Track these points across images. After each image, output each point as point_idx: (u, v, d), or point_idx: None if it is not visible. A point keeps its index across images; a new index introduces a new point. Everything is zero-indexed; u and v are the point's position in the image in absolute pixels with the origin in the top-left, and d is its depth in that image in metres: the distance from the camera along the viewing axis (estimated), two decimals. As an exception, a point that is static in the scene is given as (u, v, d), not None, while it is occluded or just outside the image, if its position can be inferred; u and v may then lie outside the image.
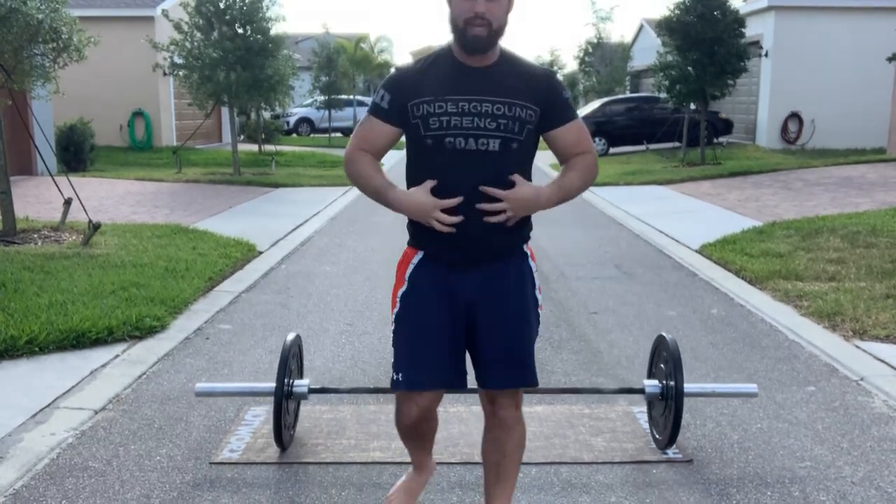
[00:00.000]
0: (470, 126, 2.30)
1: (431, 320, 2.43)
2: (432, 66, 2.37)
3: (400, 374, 2.46)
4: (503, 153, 2.32)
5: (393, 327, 2.52)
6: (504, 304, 2.44)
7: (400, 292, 2.51)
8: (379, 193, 2.41)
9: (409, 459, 3.25)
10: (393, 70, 2.48)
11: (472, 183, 2.31)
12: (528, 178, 2.40)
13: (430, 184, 2.33)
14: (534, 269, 2.53)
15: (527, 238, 2.51)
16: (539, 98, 2.36)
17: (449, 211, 2.32)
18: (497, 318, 2.43)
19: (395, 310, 2.51)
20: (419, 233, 2.44)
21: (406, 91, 2.35)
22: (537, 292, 2.53)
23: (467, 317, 2.45)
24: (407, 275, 2.50)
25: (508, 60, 2.38)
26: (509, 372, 2.45)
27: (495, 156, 2.31)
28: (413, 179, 2.43)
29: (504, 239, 2.41)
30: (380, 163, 2.51)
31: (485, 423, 2.62)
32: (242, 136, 23.11)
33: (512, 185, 2.33)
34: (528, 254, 2.52)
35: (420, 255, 2.48)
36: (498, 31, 2.29)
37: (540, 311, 2.55)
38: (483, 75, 2.33)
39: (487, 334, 2.44)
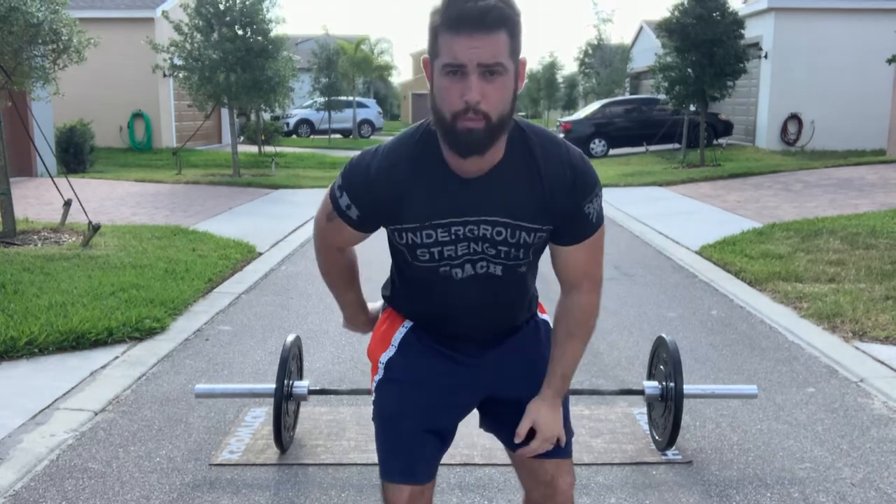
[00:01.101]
0: (466, 253, 1.80)
1: (430, 395, 1.94)
2: (414, 172, 1.74)
3: (381, 459, 1.97)
4: (507, 277, 1.85)
5: (374, 398, 2.01)
6: (525, 373, 1.98)
7: (384, 357, 2.00)
8: (342, 307, 2.17)
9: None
10: (365, 155, 1.80)
11: (471, 305, 1.88)
12: (533, 282, 1.98)
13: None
14: (546, 320, 2.11)
15: (534, 309, 2.08)
16: (555, 212, 1.78)
17: (442, 320, 1.93)
18: (522, 389, 1.98)
19: (378, 376, 2.00)
20: (406, 310, 1.99)
21: (379, 208, 1.78)
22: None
23: (480, 393, 2.02)
24: (394, 340, 2.01)
25: (518, 154, 1.75)
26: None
27: (497, 279, 1.85)
28: (403, 289, 1.99)
29: (513, 323, 2.00)
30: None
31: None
32: (242, 138, 23.11)
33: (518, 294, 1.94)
34: (537, 311, 2.11)
35: (410, 324, 2.01)
36: (500, 125, 1.64)
37: None
38: (481, 187, 1.73)
39: (521, 406, 1.96)
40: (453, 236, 1.77)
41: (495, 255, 1.80)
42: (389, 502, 1.95)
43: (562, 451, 1.97)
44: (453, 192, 1.73)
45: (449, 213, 1.74)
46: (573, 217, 1.80)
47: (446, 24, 1.57)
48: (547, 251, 1.91)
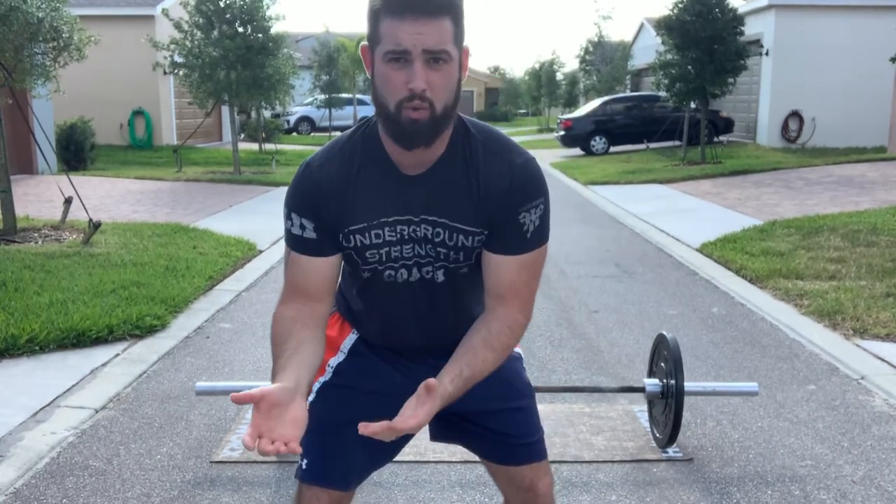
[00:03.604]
0: (411, 255, 1.70)
1: (378, 407, 1.74)
2: (358, 168, 1.66)
3: (306, 461, 1.85)
4: (451, 281, 1.75)
5: (312, 398, 1.87)
6: (482, 384, 1.73)
7: (332, 361, 1.90)
8: (274, 371, 1.67)
9: (409, 458, 3.26)
10: (303, 165, 1.70)
11: (414, 313, 1.79)
12: (482, 294, 1.77)
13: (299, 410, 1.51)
14: None
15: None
16: (488, 215, 1.66)
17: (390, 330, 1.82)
18: (480, 401, 1.84)
19: (323, 378, 1.89)
20: (353, 320, 1.90)
21: (330, 212, 1.66)
22: (514, 349, 1.94)
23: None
24: (344, 347, 1.91)
25: (459, 151, 1.66)
26: (529, 443, 1.93)
27: (442, 285, 1.75)
28: (350, 301, 1.88)
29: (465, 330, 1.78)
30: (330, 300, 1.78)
31: None
32: (243, 135, 23.12)
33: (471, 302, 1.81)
34: None
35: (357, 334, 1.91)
36: (445, 116, 1.55)
37: (524, 365, 2.03)
38: (421, 185, 1.65)
39: (482, 416, 1.89)
40: (398, 236, 1.68)
41: (435, 258, 1.70)
42: None
43: (538, 454, 1.93)
44: (398, 190, 1.65)
45: (394, 212, 1.66)
46: (505, 224, 1.66)
47: (389, 8, 1.49)
48: None
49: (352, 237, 1.68)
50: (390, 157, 1.65)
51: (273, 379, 1.59)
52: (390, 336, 1.87)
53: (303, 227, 1.68)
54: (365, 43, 1.60)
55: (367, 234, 1.68)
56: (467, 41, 1.59)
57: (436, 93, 1.52)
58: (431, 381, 1.54)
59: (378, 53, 1.54)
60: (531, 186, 1.67)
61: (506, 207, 1.65)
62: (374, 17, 1.53)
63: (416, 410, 1.52)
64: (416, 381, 1.73)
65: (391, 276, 1.73)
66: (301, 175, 1.69)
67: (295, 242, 1.70)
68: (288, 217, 1.70)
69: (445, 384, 1.61)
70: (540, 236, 1.70)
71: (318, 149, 1.73)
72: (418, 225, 1.67)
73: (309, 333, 1.67)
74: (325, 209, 1.66)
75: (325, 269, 1.71)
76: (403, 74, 1.50)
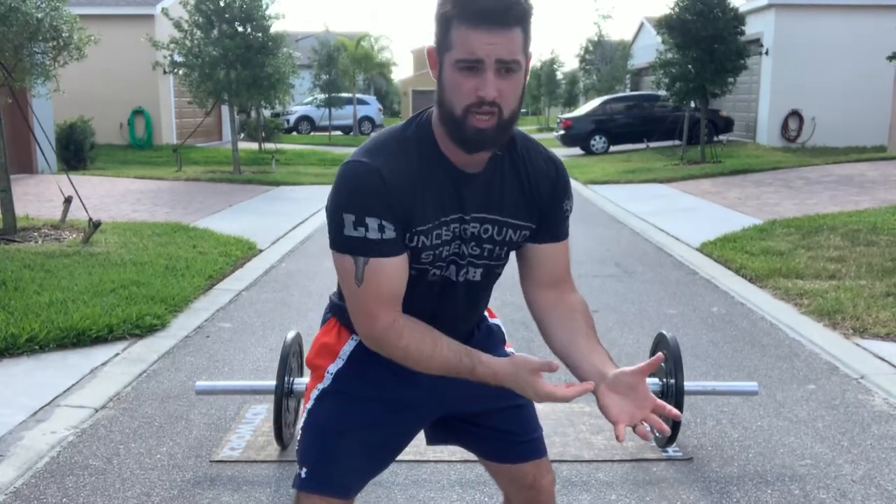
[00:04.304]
0: (456, 253, 1.70)
1: (378, 414, 1.79)
2: (419, 166, 1.62)
3: (305, 469, 1.81)
4: (483, 280, 1.78)
5: (310, 405, 1.86)
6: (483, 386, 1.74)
7: (332, 368, 1.85)
8: (459, 371, 1.65)
9: (409, 458, 3.26)
10: (360, 166, 1.59)
11: (441, 312, 1.77)
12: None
13: (529, 363, 1.63)
14: (499, 324, 2.03)
15: (483, 313, 2.00)
16: (540, 209, 1.73)
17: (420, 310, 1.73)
18: (482, 402, 1.87)
19: (322, 385, 1.85)
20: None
21: (405, 211, 1.60)
22: (507, 348, 2.00)
23: (433, 412, 1.90)
24: (343, 353, 1.85)
25: (506, 149, 1.69)
26: (531, 440, 1.95)
27: (474, 284, 1.77)
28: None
29: (468, 328, 1.89)
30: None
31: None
32: (242, 135, 23.12)
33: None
34: (486, 314, 2.00)
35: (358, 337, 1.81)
36: (510, 121, 1.56)
37: None
38: (476, 183, 1.66)
39: (482, 416, 1.90)
40: (451, 235, 1.66)
41: (478, 256, 1.72)
42: None
43: (539, 450, 1.94)
44: (455, 188, 1.64)
45: (452, 210, 1.65)
46: (554, 214, 1.76)
47: (464, 17, 1.48)
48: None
49: (416, 238, 1.62)
50: (445, 155, 1.64)
51: (475, 366, 1.62)
52: None
53: (382, 229, 1.57)
54: (432, 46, 1.58)
55: (430, 235, 1.64)
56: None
57: (505, 100, 1.53)
58: (543, 362, 1.61)
59: (448, 60, 1.53)
60: (567, 177, 1.80)
61: (554, 200, 1.75)
62: (446, 22, 1.52)
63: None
64: (415, 387, 1.78)
65: (435, 275, 1.71)
66: (366, 176, 1.57)
67: (374, 248, 1.58)
68: (359, 224, 1.56)
69: (610, 366, 1.66)
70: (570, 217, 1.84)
71: (359, 149, 1.65)
72: (468, 223, 1.67)
73: (419, 324, 1.67)
74: (401, 206, 1.59)
75: (405, 266, 1.64)
76: (474, 83, 1.50)
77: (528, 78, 1.62)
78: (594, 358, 1.69)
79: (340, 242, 1.60)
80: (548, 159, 1.75)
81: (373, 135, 1.74)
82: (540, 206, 1.73)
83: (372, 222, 1.57)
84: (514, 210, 1.70)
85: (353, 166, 1.60)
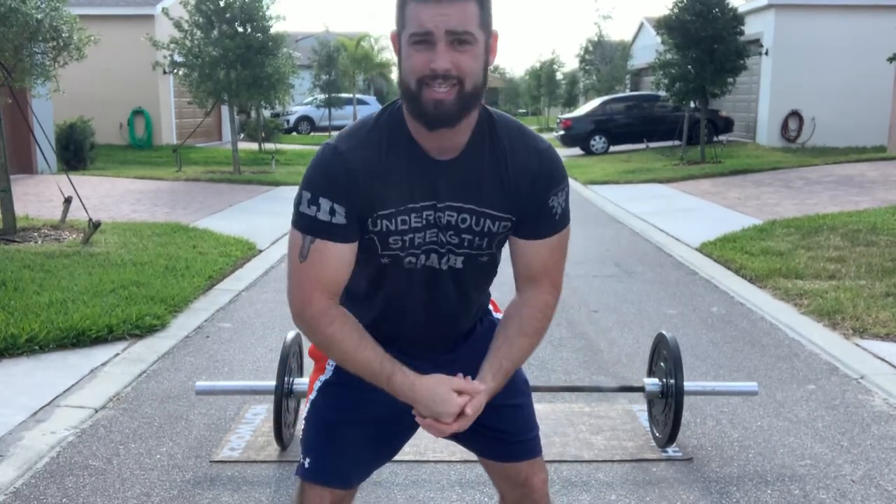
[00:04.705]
0: (434, 241, 1.70)
1: (381, 406, 1.80)
2: (388, 152, 1.64)
3: (308, 459, 1.84)
4: (468, 269, 1.76)
5: (313, 397, 1.91)
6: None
7: (321, 379, 1.90)
8: (377, 376, 1.69)
9: (409, 457, 3.26)
10: (327, 149, 1.65)
11: (429, 301, 1.79)
12: (489, 283, 1.90)
13: (452, 382, 1.68)
14: (501, 318, 1.98)
15: (487, 307, 2.02)
16: (519, 201, 1.70)
17: (396, 321, 1.81)
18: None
19: (324, 376, 1.90)
20: (354, 314, 1.77)
21: (361, 198, 1.63)
22: None
23: None
24: (332, 361, 1.87)
25: (486, 138, 1.67)
26: (527, 439, 1.97)
27: (458, 272, 1.76)
28: (353, 288, 1.79)
29: (467, 325, 1.92)
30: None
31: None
32: (242, 135, 23.11)
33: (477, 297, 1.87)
34: (490, 308, 2.03)
35: None
36: (473, 95, 1.56)
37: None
38: (450, 171, 1.65)
39: (481, 415, 1.82)
40: (424, 222, 1.67)
41: (458, 245, 1.71)
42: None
43: (533, 450, 1.96)
44: (427, 176, 1.65)
45: (422, 197, 1.65)
46: (537, 209, 1.71)
47: None
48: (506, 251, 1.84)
49: (379, 222, 1.66)
50: (417, 142, 1.64)
51: (394, 374, 1.67)
52: (394, 327, 1.84)
53: (332, 213, 1.62)
54: (394, 29, 1.61)
55: (393, 220, 1.66)
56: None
57: (465, 73, 1.53)
58: (467, 384, 1.66)
59: (404, 38, 1.56)
60: (556, 171, 1.72)
61: (535, 193, 1.70)
62: (402, 2, 1.56)
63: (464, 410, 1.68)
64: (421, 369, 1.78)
65: (411, 262, 1.72)
66: (329, 158, 1.64)
67: (322, 228, 1.63)
68: (313, 202, 1.62)
69: (488, 380, 1.72)
70: (565, 217, 1.77)
71: (336, 133, 1.70)
72: (443, 211, 1.67)
73: (351, 318, 1.71)
74: (357, 193, 1.62)
75: (349, 256, 1.67)
76: (427, 55, 1.52)
77: (494, 55, 1.61)
78: (485, 363, 1.77)
79: (295, 217, 1.67)
80: (532, 150, 1.70)
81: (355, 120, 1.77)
82: (520, 199, 1.69)
83: (324, 203, 1.62)
84: (492, 201, 1.68)
85: (323, 149, 1.66)
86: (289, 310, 1.77)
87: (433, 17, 1.50)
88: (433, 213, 1.67)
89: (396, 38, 1.60)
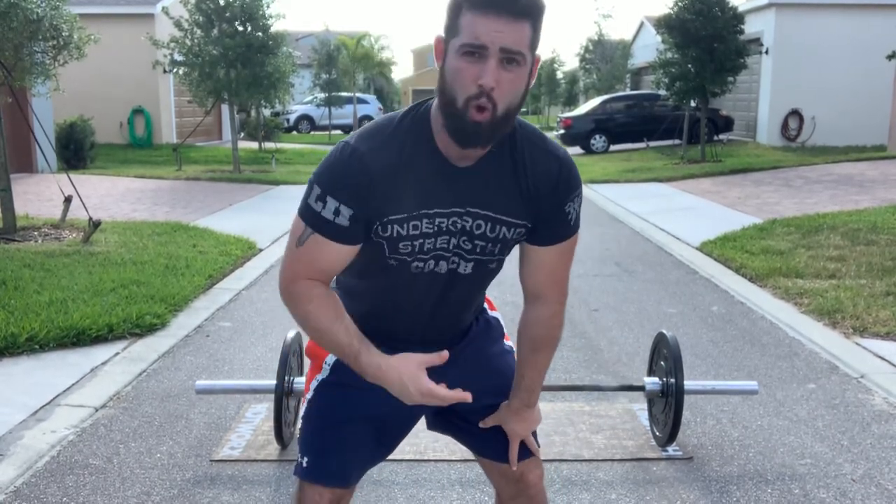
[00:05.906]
0: (445, 247, 1.69)
1: (377, 405, 1.81)
2: (406, 155, 1.61)
3: (306, 459, 1.85)
4: (475, 274, 1.76)
5: (310, 395, 1.92)
6: (480, 377, 1.89)
7: (329, 359, 1.89)
8: (346, 355, 1.71)
9: (409, 457, 3.26)
10: (346, 148, 1.62)
11: (430, 304, 1.79)
12: (488, 285, 1.90)
13: (419, 358, 1.69)
14: (497, 317, 2.07)
15: (482, 306, 2.04)
16: (537, 208, 1.69)
17: (394, 323, 1.83)
18: (480, 397, 1.82)
19: (320, 375, 1.91)
20: (352, 312, 1.77)
21: (372, 203, 1.60)
22: (506, 341, 2.06)
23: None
24: (328, 360, 1.89)
25: (505, 145, 1.66)
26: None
27: (464, 277, 1.75)
28: (352, 288, 1.83)
29: (465, 325, 1.94)
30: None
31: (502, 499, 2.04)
32: (242, 134, 23.11)
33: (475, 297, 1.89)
34: (486, 307, 2.04)
35: None
36: (505, 119, 1.54)
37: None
38: (469, 177, 1.64)
39: (479, 413, 1.92)
40: (436, 228, 1.65)
41: (470, 251, 1.70)
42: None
43: (529, 450, 1.96)
44: (444, 181, 1.62)
45: (437, 204, 1.63)
46: (554, 215, 1.71)
47: (475, 3, 1.48)
48: (514, 255, 1.83)
49: (390, 226, 1.64)
50: (438, 147, 1.62)
51: (361, 354, 1.68)
52: (389, 324, 1.83)
53: (337, 213, 1.60)
54: (440, 35, 1.57)
55: (405, 225, 1.64)
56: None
57: (502, 94, 1.50)
58: (434, 357, 1.68)
59: (453, 46, 1.52)
60: (574, 178, 1.72)
61: (554, 201, 1.69)
62: (456, 9, 1.52)
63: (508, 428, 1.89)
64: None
65: (419, 267, 1.70)
66: (346, 159, 1.60)
67: (323, 226, 1.62)
68: (321, 199, 1.60)
69: (516, 406, 1.89)
70: (577, 223, 1.77)
71: (357, 130, 1.68)
72: (460, 217, 1.65)
73: (333, 300, 1.72)
74: (369, 197, 1.60)
75: (345, 256, 1.67)
76: (476, 70, 1.49)
77: (533, 80, 1.58)
78: (514, 395, 1.90)
79: (302, 207, 1.65)
80: (551, 155, 1.69)
81: (376, 118, 1.75)
82: (538, 205, 1.68)
83: (331, 203, 1.60)
84: (510, 207, 1.67)
85: (341, 147, 1.63)
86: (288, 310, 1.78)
87: (490, 32, 1.47)
88: (447, 220, 1.65)
89: (442, 44, 1.56)
